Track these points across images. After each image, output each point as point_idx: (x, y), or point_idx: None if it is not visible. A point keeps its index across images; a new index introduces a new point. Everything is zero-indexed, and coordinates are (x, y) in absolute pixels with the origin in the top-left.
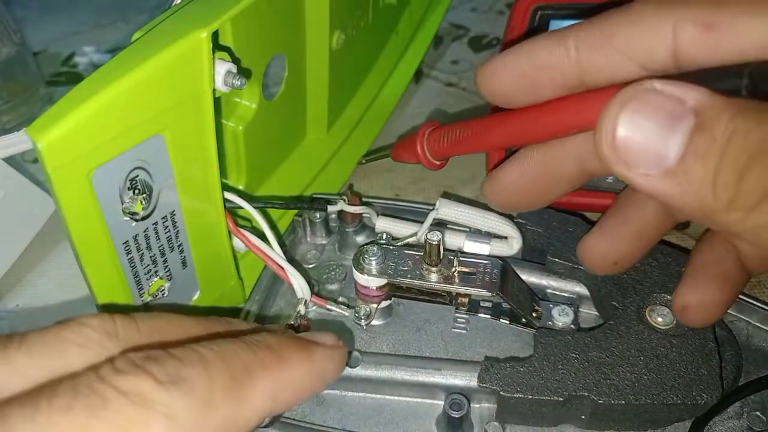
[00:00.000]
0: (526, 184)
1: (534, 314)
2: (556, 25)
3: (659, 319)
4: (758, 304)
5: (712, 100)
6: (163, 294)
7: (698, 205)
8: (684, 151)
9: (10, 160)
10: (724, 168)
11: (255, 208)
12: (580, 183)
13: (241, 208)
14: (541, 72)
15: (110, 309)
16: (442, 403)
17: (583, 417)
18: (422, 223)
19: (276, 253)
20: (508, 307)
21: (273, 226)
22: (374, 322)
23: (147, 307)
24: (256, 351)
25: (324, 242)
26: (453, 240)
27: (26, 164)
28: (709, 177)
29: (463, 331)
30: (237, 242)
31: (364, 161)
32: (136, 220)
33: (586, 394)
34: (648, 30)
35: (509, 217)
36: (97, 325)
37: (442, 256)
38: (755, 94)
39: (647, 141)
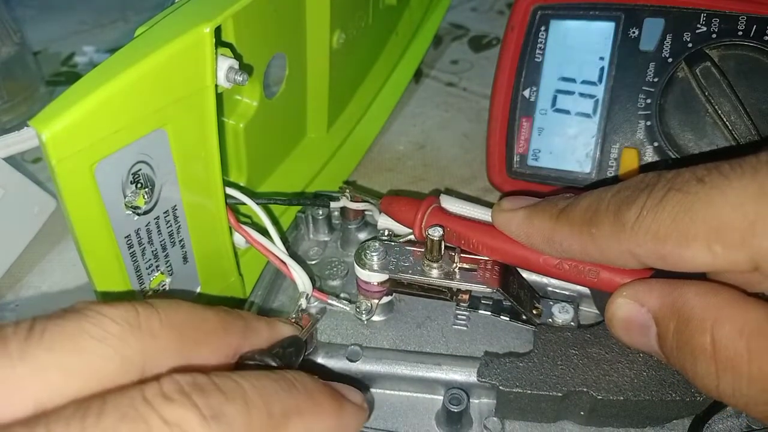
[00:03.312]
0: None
1: (534, 311)
2: (556, 24)
3: None
4: None
5: (661, 309)
6: (164, 289)
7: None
8: (658, 345)
9: (10, 160)
10: (672, 356)
11: (257, 204)
12: None
13: (244, 204)
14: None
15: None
16: (442, 398)
17: (582, 413)
18: None
19: (278, 248)
20: (509, 304)
21: (275, 222)
22: (375, 318)
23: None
24: (295, 394)
25: (326, 239)
26: None
27: (26, 164)
28: (674, 361)
29: (464, 328)
30: (237, 238)
31: (348, 189)
32: (138, 214)
33: (585, 389)
34: (614, 258)
35: None
36: (118, 316)
37: (443, 252)
38: None
39: (637, 344)
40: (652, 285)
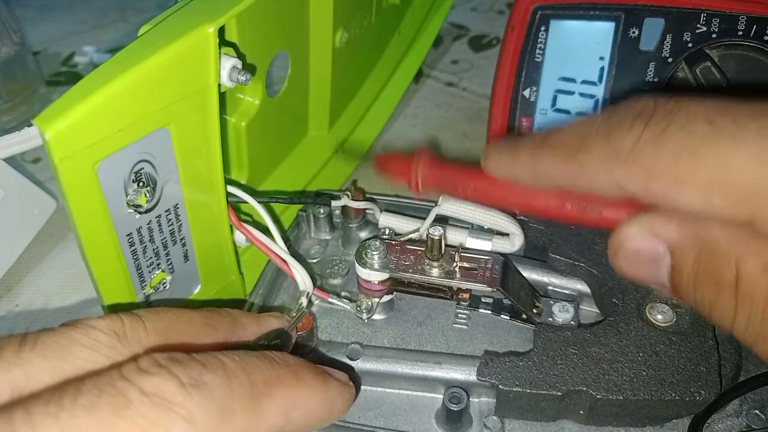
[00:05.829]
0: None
1: (534, 310)
2: (556, 24)
3: (659, 317)
4: None
5: (680, 240)
6: (164, 287)
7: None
8: (669, 277)
9: (11, 160)
10: (688, 288)
11: (259, 202)
12: None
13: (245, 202)
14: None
15: (113, 305)
16: (442, 396)
17: (581, 412)
18: (425, 219)
19: (279, 247)
20: (509, 303)
21: (276, 220)
22: (376, 317)
23: (149, 303)
24: (276, 367)
25: (328, 237)
26: (455, 237)
27: (26, 164)
28: (689, 293)
29: (464, 327)
30: (238, 237)
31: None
32: (140, 213)
33: (585, 389)
34: (600, 186)
35: (512, 214)
36: (105, 326)
37: (443, 251)
38: None
39: (641, 276)
40: (669, 216)
